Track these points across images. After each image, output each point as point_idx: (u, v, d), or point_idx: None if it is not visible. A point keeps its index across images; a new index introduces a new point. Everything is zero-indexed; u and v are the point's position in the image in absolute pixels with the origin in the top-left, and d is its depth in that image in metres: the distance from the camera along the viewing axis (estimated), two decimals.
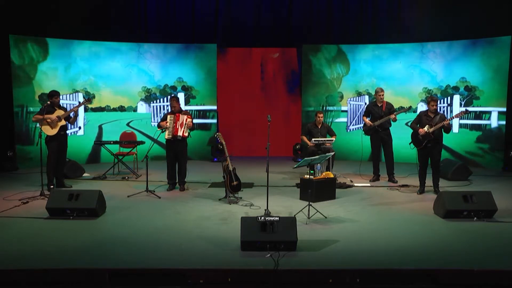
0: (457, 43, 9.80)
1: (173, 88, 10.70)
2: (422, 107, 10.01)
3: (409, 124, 6.98)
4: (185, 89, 10.70)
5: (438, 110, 7.45)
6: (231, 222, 5.43)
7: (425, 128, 6.68)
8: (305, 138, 8.29)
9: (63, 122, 7.08)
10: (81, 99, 9.76)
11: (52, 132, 7.00)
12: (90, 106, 9.93)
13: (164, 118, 7.20)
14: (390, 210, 6.11)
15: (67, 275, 4.03)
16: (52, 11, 9.46)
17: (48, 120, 6.94)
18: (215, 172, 8.34)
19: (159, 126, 7.18)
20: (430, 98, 6.90)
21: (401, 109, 7.93)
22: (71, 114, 7.17)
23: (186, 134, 7.09)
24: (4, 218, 5.59)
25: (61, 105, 7.34)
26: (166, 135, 7.07)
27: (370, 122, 7.86)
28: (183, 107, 9.41)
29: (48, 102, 7.10)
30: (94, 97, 10.01)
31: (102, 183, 7.76)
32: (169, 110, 7.54)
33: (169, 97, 9.94)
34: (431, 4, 10.05)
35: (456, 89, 9.85)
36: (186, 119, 7.07)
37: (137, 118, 10.58)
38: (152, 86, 10.62)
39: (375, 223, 5.50)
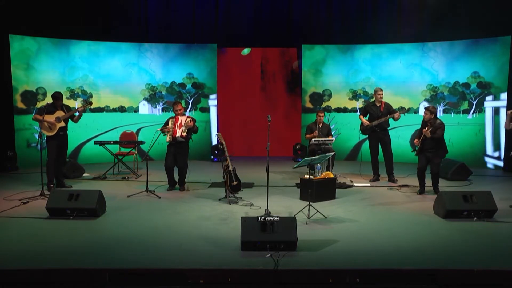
0: (458, 43, 9.80)
1: (182, 85, 10.66)
2: (424, 108, 10.01)
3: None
4: (197, 86, 10.64)
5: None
6: (231, 222, 5.43)
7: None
8: (308, 136, 8.32)
9: (62, 124, 7.06)
10: (79, 99, 9.82)
11: (51, 132, 6.99)
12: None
13: (166, 123, 7.17)
14: (390, 210, 6.11)
15: (67, 275, 4.03)
16: (52, 11, 9.46)
17: (46, 124, 6.92)
18: (215, 172, 8.34)
19: (162, 131, 7.10)
20: (426, 108, 6.89)
21: (401, 110, 7.93)
22: (75, 114, 7.18)
23: (184, 134, 7.00)
24: (4, 218, 5.59)
25: (63, 106, 7.20)
26: (167, 138, 7.04)
27: (367, 122, 7.86)
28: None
29: (50, 102, 7.09)
30: (91, 96, 10.00)
31: (102, 183, 7.76)
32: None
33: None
34: (431, 4, 10.06)
35: (466, 85, 9.79)
36: (186, 119, 7.04)
37: (144, 122, 10.50)
38: (157, 84, 10.58)
39: (375, 223, 5.50)
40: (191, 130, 7.10)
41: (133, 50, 10.41)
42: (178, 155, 7.11)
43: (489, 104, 9.52)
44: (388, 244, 4.72)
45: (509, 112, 6.43)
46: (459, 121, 9.82)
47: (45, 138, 7.05)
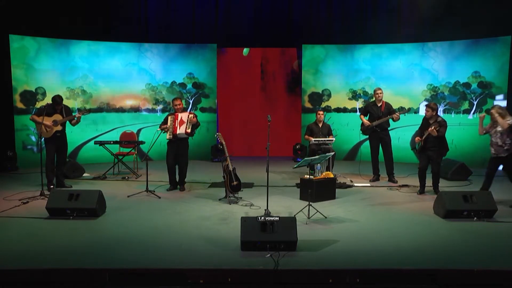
0: (458, 43, 9.79)
1: (182, 85, 10.63)
2: (424, 107, 10.01)
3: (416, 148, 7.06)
4: (197, 86, 10.59)
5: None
6: (231, 222, 5.43)
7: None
8: (307, 137, 8.32)
9: (59, 128, 7.03)
10: (79, 99, 9.83)
11: (47, 134, 6.94)
12: (87, 106, 9.92)
13: (165, 120, 7.17)
14: (390, 210, 6.11)
15: (67, 275, 4.03)
16: (52, 11, 9.46)
17: (43, 127, 6.86)
18: (215, 172, 8.34)
19: (161, 128, 7.09)
20: (427, 105, 6.91)
21: (401, 110, 7.93)
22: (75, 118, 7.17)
23: (189, 131, 6.97)
24: (4, 218, 5.59)
25: (62, 109, 7.13)
26: (167, 136, 7.03)
27: (368, 122, 7.85)
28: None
29: (50, 103, 7.05)
30: (91, 96, 10.02)
31: (102, 183, 7.76)
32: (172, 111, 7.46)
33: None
34: (431, 4, 10.05)
35: (467, 85, 9.76)
36: (188, 115, 7.02)
37: (146, 122, 10.49)
38: (157, 84, 10.56)
39: (375, 223, 5.50)
40: (195, 126, 7.09)
41: (133, 50, 10.41)
42: (179, 154, 7.11)
43: (501, 104, 9.43)
44: (388, 244, 4.72)
45: (480, 115, 6.38)
46: (460, 121, 9.81)
47: (43, 139, 7.03)
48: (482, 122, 6.37)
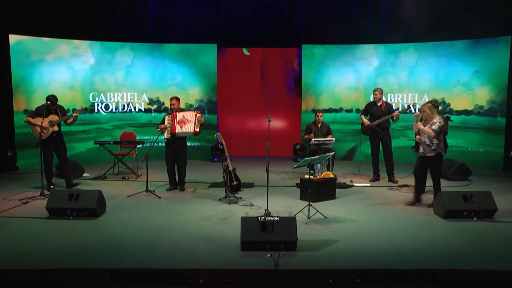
0: (458, 43, 9.79)
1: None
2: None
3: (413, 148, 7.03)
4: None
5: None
6: (231, 222, 5.43)
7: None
8: (307, 136, 8.32)
9: (55, 128, 6.98)
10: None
11: (43, 136, 6.86)
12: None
13: (162, 121, 7.16)
14: (390, 210, 6.11)
15: (67, 275, 4.03)
16: (52, 10, 9.46)
17: (38, 128, 6.80)
18: (215, 172, 8.34)
19: (159, 128, 7.10)
20: (429, 102, 6.86)
21: (401, 110, 7.92)
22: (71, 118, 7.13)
23: (198, 130, 6.96)
24: (4, 218, 5.59)
25: (57, 109, 7.07)
26: (166, 135, 7.02)
27: (368, 122, 7.85)
28: None
29: (48, 102, 6.99)
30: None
31: (102, 183, 7.76)
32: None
33: None
34: (431, 4, 10.06)
35: (468, 85, 9.69)
36: (196, 115, 7.00)
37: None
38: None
39: (375, 223, 5.50)
40: (202, 125, 7.09)
41: (128, 51, 10.38)
42: (178, 154, 7.11)
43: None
44: (388, 244, 4.72)
45: (415, 113, 6.33)
46: (460, 122, 9.78)
47: (39, 140, 6.95)
48: (417, 119, 6.26)
